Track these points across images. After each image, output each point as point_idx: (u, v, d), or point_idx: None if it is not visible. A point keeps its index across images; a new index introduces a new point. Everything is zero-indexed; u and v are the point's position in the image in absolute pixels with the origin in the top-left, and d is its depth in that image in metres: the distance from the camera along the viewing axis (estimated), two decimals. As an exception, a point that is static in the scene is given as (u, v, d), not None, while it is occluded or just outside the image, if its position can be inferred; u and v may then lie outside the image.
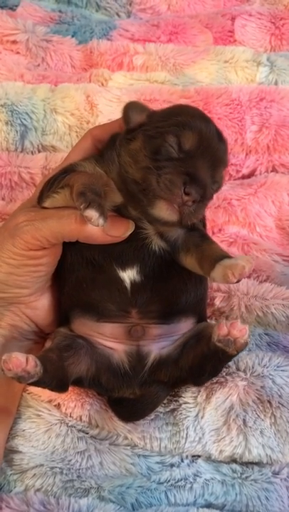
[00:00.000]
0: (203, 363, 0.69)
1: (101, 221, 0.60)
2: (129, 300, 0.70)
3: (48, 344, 0.78)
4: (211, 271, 0.63)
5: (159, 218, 0.63)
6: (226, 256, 0.64)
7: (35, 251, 0.68)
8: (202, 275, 0.75)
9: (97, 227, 0.63)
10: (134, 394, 0.72)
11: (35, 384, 0.65)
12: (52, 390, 0.69)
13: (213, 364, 0.69)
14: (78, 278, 0.72)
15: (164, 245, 0.70)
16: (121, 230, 0.67)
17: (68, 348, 0.70)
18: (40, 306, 0.75)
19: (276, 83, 1.13)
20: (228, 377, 0.76)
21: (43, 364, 0.63)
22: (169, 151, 0.63)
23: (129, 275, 0.69)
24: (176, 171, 0.61)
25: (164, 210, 0.62)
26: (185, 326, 0.74)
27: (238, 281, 0.62)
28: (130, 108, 0.69)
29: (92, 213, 0.59)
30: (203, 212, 0.69)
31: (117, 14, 1.37)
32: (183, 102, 1.03)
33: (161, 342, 0.73)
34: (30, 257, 0.68)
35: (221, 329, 0.65)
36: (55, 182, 0.69)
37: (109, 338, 0.72)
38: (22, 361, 0.61)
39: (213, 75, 1.13)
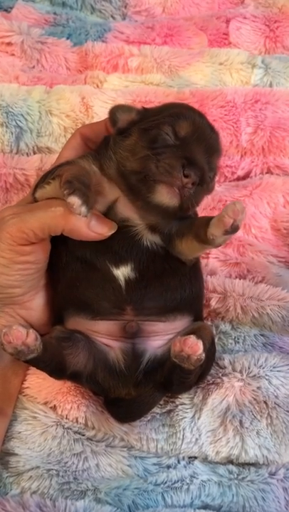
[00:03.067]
0: (171, 373, 0.69)
1: (83, 209, 0.60)
2: (123, 297, 0.70)
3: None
4: (207, 232, 0.63)
5: (160, 204, 0.64)
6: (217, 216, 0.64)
7: (22, 246, 0.68)
8: (199, 272, 0.76)
9: (82, 221, 0.64)
10: (129, 394, 0.72)
11: (35, 362, 0.66)
12: (50, 373, 0.69)
13: (178, 377, 0.69)
14: (71, 277, 0.72)
15: (156, 240, 0.70)
16: (104, 228, 0.67)
17: (67, 340, 0.70)
18: (35, 306, 0.75)
19: (271, 85, 1.13)
20: (224, 378, 0.76)
21: (43, 343, 0.64)
22: (165, 139, 0.65)
23: (123, 272, 0.69)
24: (174, 155, 0.63)
25: (164, 194, 0.63)
26: (180, 324, 0.74)
27: (234, 228, 0.61)
28: (116, 110, 0.71)
29: (75, 199, 0.60)
30: (202, 198, 0.69)
31: (112, 16, 1.37)
32: (178, 103, 1.04)
33: (156, 340, 0.73)
34: (19, 253, 0.68)
35: (174, 345, 0.65)
36: (48, 175, 0.70)
37: (105, 336, 0.72)
38: (23, 333, 0.62)
39: (208, 77, 1.13)
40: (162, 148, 0.64)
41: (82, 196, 0.61)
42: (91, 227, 0.66)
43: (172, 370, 0.68)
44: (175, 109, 0.69)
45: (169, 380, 0.70)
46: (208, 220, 0.63)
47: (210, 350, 0.73)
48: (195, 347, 0.64)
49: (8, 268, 0.69)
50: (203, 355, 0.65)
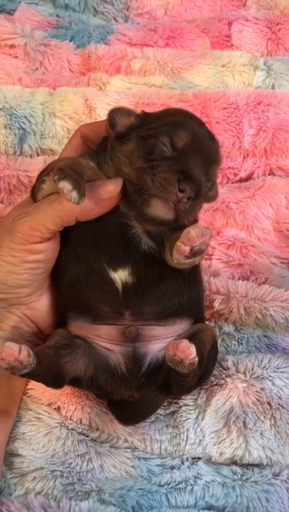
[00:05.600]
0: (168, 376, 0.69)
1: (74, 194, 0.59)
2: (121, 302, 0.70)
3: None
4: (172, 256, 0.63)
5: (154, 217, 0.64)
6: None
7: (34, 244, 0.68)
8: (198, 276, 0.76)
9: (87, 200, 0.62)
10: (132, 397, 0.72)
11: (29, 376, 0.66)
12: (47, 384, 0.69)
13: (175, 380, 0.69)
14: (72, 278, 0.72)
15: (152, 245, 0.70)
16: (110, 188, 0.66)
17: (66, 347, 0.70)
18: (41, 306, 0.75)
19: (273, 87, 1.14)
20: (227, 379, 0.77)
21: (37, 357, 0.64)
22: (162, 151, 0.64)
23: (120, 276, 0.69)
24: (169, 169, 0.62)
25: (159, 209, 0.63)
26: (180, 328, 0.74)
27: (196, 253, 0.61)
28: (115, 113, 0.70)
29: (65, 184, 0.59)
30: (199, 210, 0.69)
31: (115, 19, 1.38)
32: (181, 105, 1.04)
33: (157, 344, 0.73)
34: (30, 252, 0.68)
35: (168, 350, 0.65)
36: (43, 173, 0.70)
37: (105, 340, 0.72)
38: (15, 350, 0.62)
39: (210, 79, 1.14)
40: (159, 160, 0.63)
41: (73, 182, 0.60)
42: (100, 197, 0.65)
43: (169, 374, 0.68)
44: (174, 118, 0.68)
45: (167, 383, 0.70)
46: (176, 241, 0.62)
47: (211, 351, 0.73)
48: (187, 351, 0.63)
49: (18, 267, 0.69)
50: (196, 359, 0.64)
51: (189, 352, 0.63)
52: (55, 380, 0.69)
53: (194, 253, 0.61)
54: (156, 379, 0.71)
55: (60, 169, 0.61)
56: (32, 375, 0.66)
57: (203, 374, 0.73)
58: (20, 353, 0.62)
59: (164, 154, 0.64)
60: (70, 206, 0.63)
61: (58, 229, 0.68)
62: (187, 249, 0.60)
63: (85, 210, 0.65)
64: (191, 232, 0.60)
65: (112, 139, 0.69)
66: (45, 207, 0.67)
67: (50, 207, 0.66)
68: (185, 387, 0.71)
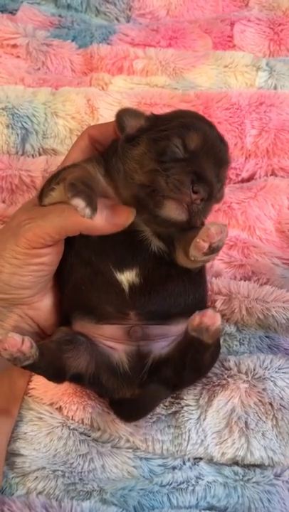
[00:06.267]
0: (183, 355, 0.69)
1: (88, 211, 0.59)
2: (127, 302, 0.70)
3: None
4: (189, 253, 0.63)
5: (167, 219, 0.63)
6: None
7: (38, 249, 0.68)
8: (203, 276, 0.76)
9: (96, 218, 0.62)
10: (134, 395, 0.72)
11: (31, 368, 0.67)
12: (48, 378, 0.70)
13: (192, 355, 0.68)
14: (77, 280, 0.72)
15: (162, 246, 0.70)
16: (122, 218, 0.66)
17: (68, 343, 0.70)
18: (43, 307, 0.75)
19: (275, 88, 1.14)
20: (229, 379, 0.76)
21: (40, 350, 0.65)
22: (174, 152, 0.64)
23: (127, 277, 0.69)
24: (183, 170, 0.62)
25: (173, 210, 0.62)
26: (184, 327, 0.74)
27: (213, 250, 0.61)
28: (124, 114, 0.69)
29: (79, 202, 0.59)
30: (210, 211, 0.69)
31: (117, 19, 1.38)
32: (183, 106, 1.04)
33: (160, 342, 0.73)
34: (34, 256, 0.68)
35: (193, 320, 0.66)
36: (53, 180, 0.69)
37: (109, 339, 0.72)
38: (18, 341, 0.63)
39: (212, 80, 1.14)
40: (171, 162, 0.63)
41: (86, 198, 0.59)
42: (109, 220, 0.65)
43: (187, 351, 0.68)
44: (185, 119, 0.67)
45: (181, 365, 0.69)
46: (194, 238, 0.63)
47: (214, 345, 0.72)
48: (214, 318, 0.65)
49: (22, 269, 0.69)
50: (221, 327, 0.65)
51: (216, 319, 0.65)
52: (56, 375, 0.69)
53: (212, 250, 0.61)
54: (159, 376, 0.71)
55: (72, 184, 0.60)
56: (34, 367, 0.67)
57: (207, 367, 0.74)
58: (22, 344, 0.63)
59: (176, 156, 0.64)
60: (78, 220, 0.63)
61: (62, 238, 0.69)
62: (206, 245, 0.61)
63: (94, 227, 0.65)
64: (211, 228, 0.60)
65: (121, 142, 0.69)
66: (53, 217, 0.66)
67: (58, 217, 0.66)
68: (198, 368, 0.71)
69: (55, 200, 0.68)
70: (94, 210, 0.60)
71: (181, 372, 0.71)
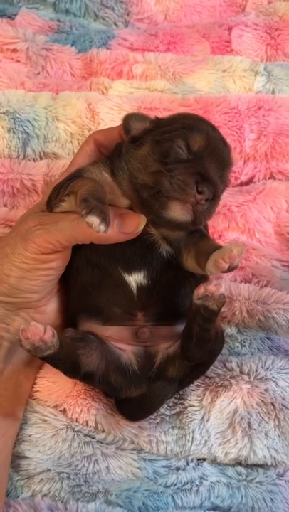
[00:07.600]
0: (190, 327, 0.69)
1: (102, 227, 0.59)
2: (135, 303, 0.71)
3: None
4: (205, 265, 0.64)
5: (173, 219, 0.64)
6: (219, 247, 0.64)
7: (47, 255, 0.68)
8: (208, 278, 0.77)
9: (110, 229, 0.62)
10: (142, 394, 0.73)
11: (50, 359, 0.67)
12: (64, 372, 0.70)
13: (199, 324, 0.68)
14: (83, 282, 0.72)
15: (170, 250, 0.71)
16: (133, 226, 0.67)
17: (80, 340, 0.71)
18: (49, 310, 0.76)
19: (273, 92, 1.15)
20: (232, 380, 0.77)
21: (59, 341, 0.65)
22: (178, 153, 0.65)
23: (135, 279, 0.70)
24: (187, 171, 0.63)
25: (178, 211, 0.63)
26: None
27: (231, 269, 0.62)
28: (130, 118, 0.71)
29: (94, 219, 0.59)
30: (214, 212, 0.70)
31: (115, 24, 1.39)
32: (183, 110, 1.05)
33: (167, 342, 0.74)
34: (42, 261, 0.69)
35: (198, 289, 0.66)
36: (61, 189, 0.69)
37: (117, 340, 0.73)
38: (40, 329, 0.63)
39: (211, 84, 1.14)
40: (175, 163, 0.64)
41: (100, 214, 0.60)
42: (119, 229, 0.66)
43: (194, 320, 0.67)
44: (188, 121, 0.69)
45: (187, 337, 0.69)
46: (209, 251, 0.64)
47: (218, 336, 0.73)
48: (218, 285, 0.65)
49: (30, 273, 0.70)
50: (225, 294, 0.66)
51: (220, 286, 0.65)
52: (72, 369, 0.69)
53: (230, 269, 0.62)
54: (167, 373, 0.72)
55: (85, 200, 0.61)
56: (53, 359, 0.67)
57: (210, 358, 0.74)
58: (45, 333, 0.63)
59: (179, 157, 0.65)
60: (90, 232, 0.63)
61: (71, 245, 0.69)
62: (227, 266, 0.61)
63: (106, 238, 0.66)
64: (234, 251, 0.61)
65: (126, 143, 0.70)
66: (64, 225, 0.67)
67: (69, 227, 0.66)
68: (205, 340, 0.69)
69: (65, 209, 0.69)
70: (108, 225, 0.60)
71: (188, 345, 0.70)
